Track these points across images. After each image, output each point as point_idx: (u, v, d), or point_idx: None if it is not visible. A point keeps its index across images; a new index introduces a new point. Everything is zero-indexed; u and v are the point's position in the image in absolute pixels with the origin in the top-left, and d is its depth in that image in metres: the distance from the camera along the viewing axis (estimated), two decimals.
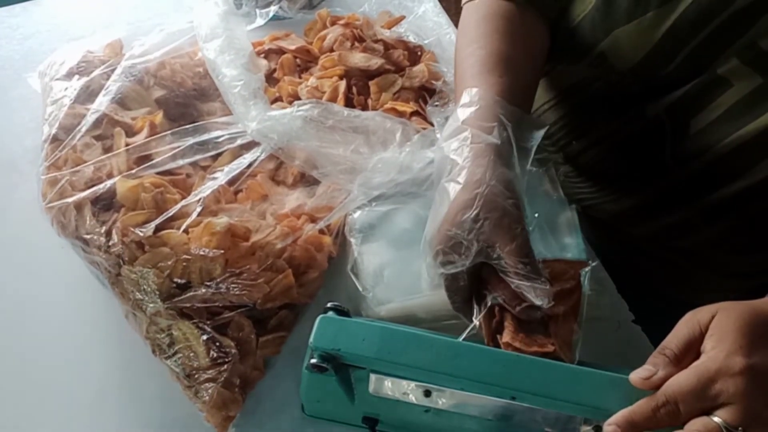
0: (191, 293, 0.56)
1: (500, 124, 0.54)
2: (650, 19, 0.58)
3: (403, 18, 0.85)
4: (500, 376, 0.46)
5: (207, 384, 0.55)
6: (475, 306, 0.51)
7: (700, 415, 0.41)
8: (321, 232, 0.63)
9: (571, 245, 0.60)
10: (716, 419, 0.40)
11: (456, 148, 0.54)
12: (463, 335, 0.49)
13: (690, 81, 0.60)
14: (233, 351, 0.56)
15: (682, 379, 0.42)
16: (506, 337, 0.49)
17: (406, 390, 0.50)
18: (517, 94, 0.58)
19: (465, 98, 0.57)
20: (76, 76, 0.72)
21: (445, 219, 0.51)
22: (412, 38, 0.83)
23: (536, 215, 0.61)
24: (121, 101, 0.70)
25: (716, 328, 0.43)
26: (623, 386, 0.44)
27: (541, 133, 0.56)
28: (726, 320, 0.43)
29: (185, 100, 0.73)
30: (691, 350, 0.43)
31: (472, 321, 0.50)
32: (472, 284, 0.51)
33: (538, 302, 0.47)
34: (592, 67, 0.66)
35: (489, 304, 0.50)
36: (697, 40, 0.57)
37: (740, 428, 0.40)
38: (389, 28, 0.83)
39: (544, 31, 0.66)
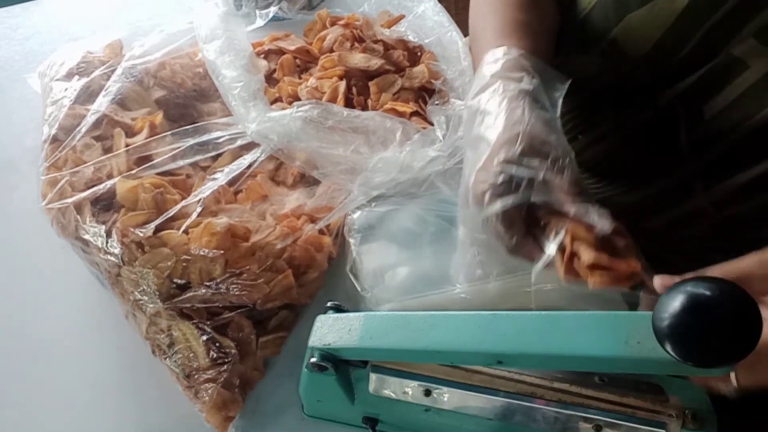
0: (191, 293, 0.57)
1: (528, 73, 0.54)
2: (663, 1, 0.57)
3: (402, 17, 0.85)
4: (481, 339, 0.42)
5: (207, 384, 0.55)
6: (545, 241, 0.49)
7: None
8: (321, 232, 0.64)
9: None
10: None
11: (488, 99, 0.54)
12: (539, 265, 0.48)
13: (704, 65, 0.59)
14: (233, 351, 0.56)
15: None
16: (588, 258, 0.46)
17: (406, 389, 0.50)
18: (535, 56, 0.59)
19: (490, 57, 0.57)
20: (76, 77, 0.72)
21: (489, 158, 0.50)
22: (411, 37, 0.83)
23: None
24: (121, 102, 0.70)
25: None
26: (618, 325, 0.39)
27: (565, 85, 0.56)
28: None
29: (185, 100, 0.73)
30: None
31: (536, 259, 0.48)
32: (526, 219, 0.50)
33: (600, 225, 0.46)
34: (604, 57, 0.65)
35: (560, 233, 0.48)
36: (711, 21, 0.56)
37: None
38: (389, 28, 0.83)
39: (556, 10, 0.66)
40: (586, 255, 0.46)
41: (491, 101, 0.53)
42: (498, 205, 0.48)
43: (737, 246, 0.69)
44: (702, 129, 0.62)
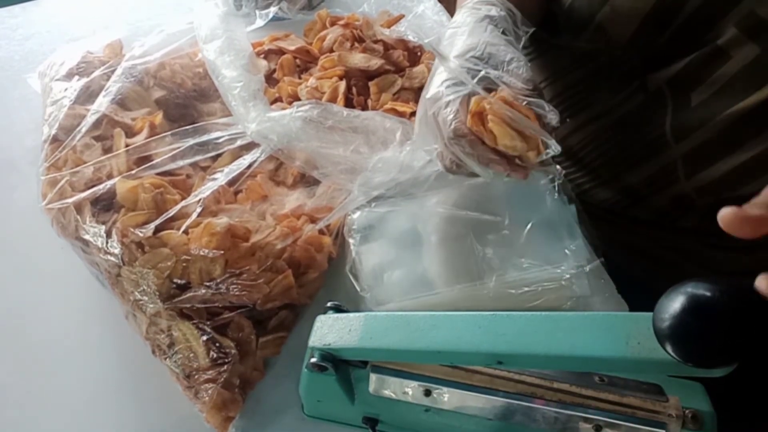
0: (191, 294, 0.57)
1: (495, 6, 0.59)
2: None
3: (402, 17, 0.85)
4: (481, 339, 0.42)
5: (207, 384, 0.55)
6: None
7: None
8: (321, 232, 0.64)
9: (573, 246, 0.60)
10: None
11: (455, 21, 0.59)
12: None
13: (690, 52, 0.60)
14: (233, 351, 0.56)
15: None
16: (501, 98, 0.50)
17: (406, 389, 0.50)
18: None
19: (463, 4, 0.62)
20: (76, 77, 0.72)
21: (455, 58, 0.55)
22: (411, 37, 0.83)
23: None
24: (121, 102, 0.70)
25: None
26: (618, 325, 0.39)
27: (531, 29, 0.61)
28: None
29: (185, 100, 0.73)
30: None
31: (473, 147, 0.52)
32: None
33: (550, 116, 0.51)
34: (592, 42, 0.67)
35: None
36: (691, 4, 0.57)
37: None
38: (388, 28, 0.83)
39: None
40: (502, 95, 0.51)
41: (457, 22, 0.59)
42: (451, 95, 0.53)
43: (735, 242, 0.70)
44: (688, 117, 0.62)
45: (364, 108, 0.73)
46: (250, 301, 0.57)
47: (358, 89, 0.75)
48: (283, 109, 0.67)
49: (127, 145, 0.66)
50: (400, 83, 0.75)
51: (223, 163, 0.67)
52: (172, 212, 0.60)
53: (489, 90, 0.52)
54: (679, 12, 0.58)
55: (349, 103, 0.73)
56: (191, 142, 0.66)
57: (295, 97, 0.74)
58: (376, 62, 0.75)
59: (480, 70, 0.53)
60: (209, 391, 0.54)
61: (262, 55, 0.81)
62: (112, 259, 0.58)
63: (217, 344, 0.56)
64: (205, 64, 0.71)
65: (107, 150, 0.66)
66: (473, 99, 0.51)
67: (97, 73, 0.72)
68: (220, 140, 0.67)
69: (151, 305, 0.57)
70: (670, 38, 0.60)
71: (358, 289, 0.59)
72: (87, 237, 0.60)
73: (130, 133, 0.68)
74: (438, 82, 0.55)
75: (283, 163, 0.68)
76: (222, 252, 0.57)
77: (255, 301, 0.57)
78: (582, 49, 0.70)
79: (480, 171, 0.54)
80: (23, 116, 0.81)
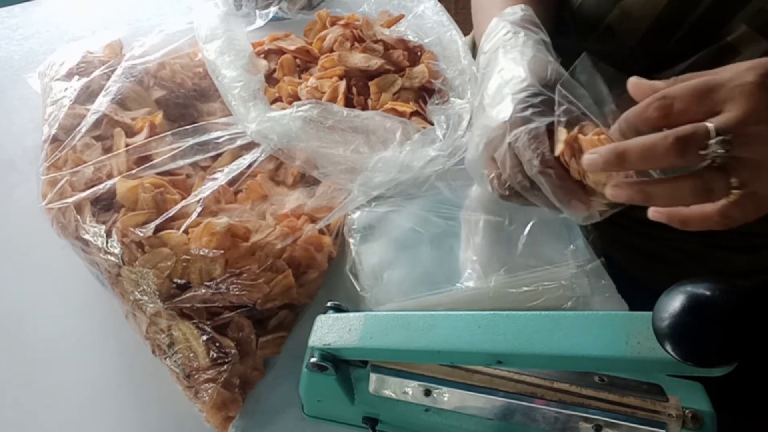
0: (191, 293, 0.57)
1: (542, 30, 0.58)
2: None
3: (402, 17, 0.85)
4: (481, 339, 0.42)
5: (207, 384, 0.55)
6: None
7: (693, 120, 0.39)
8: (321, 232, 0.64)
9: (572, 246, 0.60)
10: (708, 123, 0.38)
11: (511, 39, 0.57)
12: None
13: (699, 50, 0.60)
14: (233, 351, 0.56)
15: (687, 80, 0.40)
16: (593, 132, 0.48)
17: (406, 389, 0.50)
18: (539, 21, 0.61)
19: (509, 11, 0.59)
20: (76, 77, 0.72)
21: (522, 83, 0.52)
22: (411, 37, 0.83)
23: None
24: (121, 102, 0.70)
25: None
26: (617, 325, 0.39)
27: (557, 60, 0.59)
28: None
29: (185, 100, 0.73)
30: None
31: (560, 180, 0.49)
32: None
33: None
34: (600, 43, 0.66)
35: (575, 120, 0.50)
36: (702, 5, 0.57)
37: (730, 135, 0.38)
38: (388, 27, 0.83)
39: None
40: (590, 130, 0.48)
41: (516, 41, 0.56)
42: (537, 122, 0.50)
43: (735, 242, 0.70)
44: None
45: (364, 108, 0.73)
46: (250, 301, 0.57)
47: (358, 89, 0.75)
48: (283, 109, 0.68)
49: (127, 145, 0.66)
50: (400, 83, 0.75)
51: (223, 162, 0.67)
52: (172, 212, 0.60)
53: (570, 123, 0.50)
54: (690, 13, 0.58)
55: (349, 103, 0.73)
56: (191, 141, 0.66)
57: (295, 97, 0.74)
58: (376, 62, 0.75)
59: (563, 104, 0.50)
60: (209, 391, 0.54)
61: (262, 55, 0.81)
62: (112, 258, 0.58)
63: (217, 344, 0.56)
64: (205, 64, 0.71)
65: (107, 150, 0.66)
66: (566, 129, 0.49)
67: (97, 73, 0.72)
68: (220, 140, 0.67)
69: (151, 305, 0.57)
70: (680, 39, 0.60)
71: (358, 289, 0.59)
72: (87, 237, 0.60)
73: (130, 132, 0.68)
74: (511, 105, 0.51)
75: (283, 162, 0.68)
76: (222, 252, 0.57)
77: (255, 300, 0.57)
78: (589, 51, 0.70)
79: (561, 205, 0.51)
80: (23, 116, 0.81)
